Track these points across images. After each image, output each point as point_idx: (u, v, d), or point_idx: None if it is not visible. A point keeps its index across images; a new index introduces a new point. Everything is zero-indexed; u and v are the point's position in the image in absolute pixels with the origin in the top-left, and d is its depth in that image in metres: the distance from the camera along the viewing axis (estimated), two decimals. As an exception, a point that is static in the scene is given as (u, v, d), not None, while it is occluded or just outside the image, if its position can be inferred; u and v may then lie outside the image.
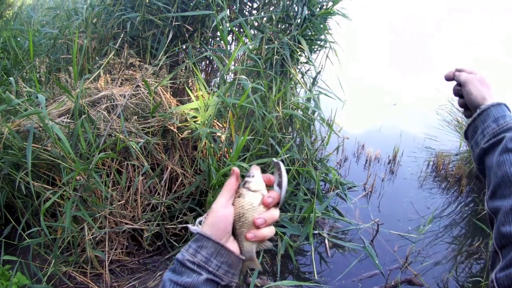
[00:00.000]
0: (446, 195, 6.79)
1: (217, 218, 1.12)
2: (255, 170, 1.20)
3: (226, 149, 4.41)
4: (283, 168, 1.20)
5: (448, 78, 1.62)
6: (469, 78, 1.47)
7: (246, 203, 1.15)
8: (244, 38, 4.71)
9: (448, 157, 7.65)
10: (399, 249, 5.12)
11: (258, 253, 1.32)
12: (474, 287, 4.56)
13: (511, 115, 1.32)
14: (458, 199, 6.70)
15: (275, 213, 1.16)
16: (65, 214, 3.38)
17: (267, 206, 1.16)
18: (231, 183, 1.16)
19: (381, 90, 11.59)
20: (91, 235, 3.68)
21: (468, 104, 1.48)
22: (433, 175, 7.39)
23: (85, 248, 3.68)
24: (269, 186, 1.20)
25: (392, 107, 10.51)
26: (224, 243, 1.11)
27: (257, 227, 1.14)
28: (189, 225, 1.17)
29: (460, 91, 1.54)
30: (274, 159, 1.25)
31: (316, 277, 4.45)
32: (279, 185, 1.20)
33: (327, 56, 5.47)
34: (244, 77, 4.30)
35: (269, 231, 1.16)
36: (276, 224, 4.65)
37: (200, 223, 1.16)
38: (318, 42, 5.53)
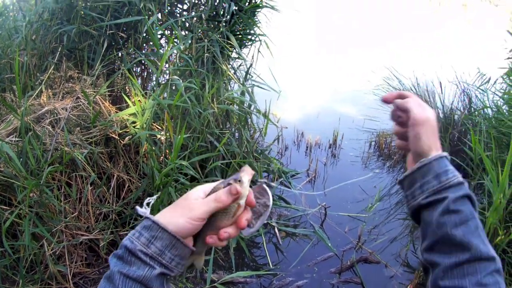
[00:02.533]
0: (393, 173, 6.94)
1: (185, 226, 1.04)
2: (245, 176, 1.11)
3: (167, 150, 4.47)
4: (270, 192, 1.17)
5: (387, 101, 1.42)
6: (423, 119, 1.26)
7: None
8: (175, 40, 4.77)
9: (390, 135, 7.77)
10: (351, 230, 5.23)
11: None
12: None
13: (453, 170, 1.21)
14: (405, 175, 6.85)
15: (239, 231, 1.12)
16: (25, 232, 3.40)
17: (240, 226, 1.10)
18: (224, 204, 1.07)
19: (317, 77, 11.72)
20: (51, 251, 3.67)
21: (410, 145, 1.30)
22: (377, 154, 7.55)
23: (48, 264, 3.70)
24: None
25: (330, 93, 10.65)
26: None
27: (221, 236, 1.08)
28: (138, 208, 1.09)
29: (401, 118, 1.36)
30: (260, 180, 1.20)
31: (271, 266, 4.52)
32: (264, 205, 1.17)
33: (258, 50, 5.55)
34: (176, 77, 4.37)
35: (225, 243, 1.12)
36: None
37: (148, 205, 1.11)
38: (249, 37, 5.62)
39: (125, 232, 4.26)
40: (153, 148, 4.37)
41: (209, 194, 1.10)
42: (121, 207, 4.38)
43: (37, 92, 4.47)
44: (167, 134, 4.52)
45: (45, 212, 3.76)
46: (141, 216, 1.20)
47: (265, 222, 1.23)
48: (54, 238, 3.75)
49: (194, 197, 1.09)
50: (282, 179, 6.03)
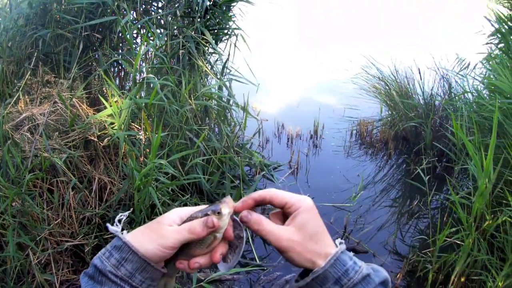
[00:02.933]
0: (376, 160, 6.96)
1: (155, 253, 0.98)
2: (225, 208, 1.02)
3: (146, 150, 4.41)
4: (242, 224, 1.06)
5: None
6: (282, 242, 0.99)
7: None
8: (150, 38, 4.72)
9: (371, 123, 7.82)
10: (336, 220, 5.22)
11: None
12: (422, 246, 4.67)
13: (353, 263, 1.00)
14: (388, 162, 6.89)
15: (211, 263, 1.04)
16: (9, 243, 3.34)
17: (214, 260, 1.02)
18: (198, 236, 1.00)
19: (296, 69, 11.73)
20: (37, 260, 3.61)
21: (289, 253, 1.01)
22: (359, 143, 7.57)
23: (35, 273, 3.64)
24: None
25: (309, 84, 10.65)
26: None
27: (191, 266, 1.03)
28: (109, 225, 1.03)
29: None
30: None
31: (258, 261, 4.49)
32: (238, 237, 1.07)
33: (235, 44, 5.51)
34: (151, 75, 4.32)
35: (195, 270, 1.10)
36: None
37: (120, 221, 1.04)
38: (224, 31, 5.57)
39: (109, 236, 4.21)
40: (132, 148, 4.31)
41: (185, 222, 1.04)
42: (104, 210, 4.30)
43: (14, 99, 4.40)
44: (146, 133, 4.46)
45: (28, 221, 3.69)
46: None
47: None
48: (39, 246, 3.68)
49: (168, 222, 1.03)
50: (264, 172, 6.00)
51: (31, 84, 4.63)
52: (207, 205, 1.05)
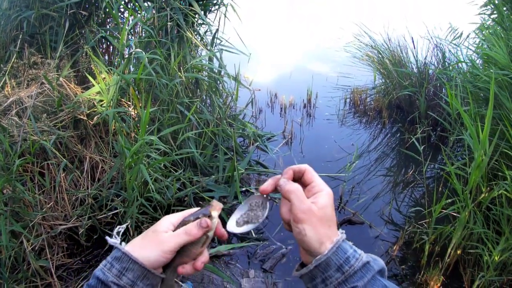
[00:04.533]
0: (370, 129, 6.93)
1: (156, 259, 1.06)
2: (214, 211, 1.14)
3: (137, 125, 4.35)
4: (267, 209, 1.21)
5: (266, 191, 1.18)
6: (305, 212, 1.04)
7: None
8: (137, 11, 4.64)
9: (364, 91, 7.79)
10: (332, 190, 5.15)
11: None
12: (418, 216, 4.65)
13: (353, 251, 1.04)
14: (382, 131, 6.85)
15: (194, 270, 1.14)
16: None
17: (196, 267, 1.13)
18: (194, 237, 1.09)
19: (288, 39, 11.66)
20: (31, 246, 3.58)
21: (297, 241, 1.07)
22: (353, 111, 7.52)
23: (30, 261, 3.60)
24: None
25: (301, 53, 10.59)
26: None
27: (198, 267, 1.12)
28: (108, 238, 1.12)
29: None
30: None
31: (254, 235, 4.47)
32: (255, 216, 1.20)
33: (224, 15, 5.39)
34: (139, 50, 4.25)
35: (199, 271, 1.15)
36: (203, 189, 4.66)
37: (118, 234, 1.14)
38: (213, 1, 5.44)
39: (103, 216, 4.18)
40: (122, 125, 4.25)
41: (178, 227, 1.12)
42: (97, 190, 4.27)
43: (1, 84, 4.32)
44: (135, 109, 4.40)
45: (20, 207, 3.64)
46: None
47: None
48: (32, 232, 3.64)
49: (163, 229, 1.10)
50: (258, 143, 5.97)
51: (17, 67, 4.55)
52: (195, 209, 1.17)
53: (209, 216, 1.13)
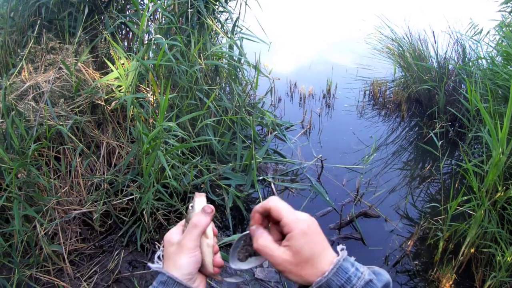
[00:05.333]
0: (388, 122, 6.87)
1: (189, 262, 1.06)
2: (199, 198, 1.17)
3: (156, 112, 4.35)
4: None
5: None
6: (279, 264, 1.00)
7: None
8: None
9: (384, 84, 7.73)
10: (349, 182, 5.16)
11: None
12: (433, 212, 4.61)
13: (355, 270, 0.99)
14: (401, 124, 6.80)
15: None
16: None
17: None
18: (205, 224, 1.10)
19: (308, 28, 11.61)
20: (44, 231, 3.59)
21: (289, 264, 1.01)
22: (372, 103, 7.46)
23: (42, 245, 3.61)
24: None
25: (321, 43, 10.54)
26: (193, 283, 1.08)
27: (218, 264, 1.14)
28: (150, 264, 1.14)
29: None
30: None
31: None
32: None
33: (245, 2, 5.36)
34: (159, 36, 4.24)
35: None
36: (219, 177, 4.66)
37: (159, 257, 1.15)
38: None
39: (118, 201, 4.19)
40: (140, 111, 4.26)
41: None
42: (113, 175, 4.28)
43: (18, 68, 4.33)
44: (154, 95, 4.40)
45: (34, 192, 3.66)
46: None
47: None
48: (46, 217, 3.66)
49: (175, 240, 1.11)
50: (276, 132, 5.95)
51: (35, 52, 4.56)
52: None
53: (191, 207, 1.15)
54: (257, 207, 1.08)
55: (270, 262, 1.01)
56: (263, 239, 1.04)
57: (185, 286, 1.03)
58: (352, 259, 1.01)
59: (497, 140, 3.47)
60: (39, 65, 4.45)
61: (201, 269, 1.11)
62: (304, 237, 0.98)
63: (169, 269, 1.06)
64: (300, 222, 0.99)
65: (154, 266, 1.10)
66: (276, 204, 1.04)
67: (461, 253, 3.75)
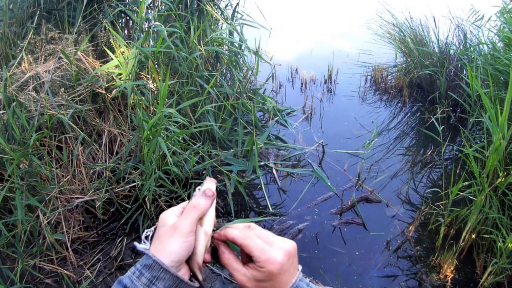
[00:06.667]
0: (390, 107, 6.88)
1: (181, 247, 0.99)
2: (209, 183, 1.15)
3: (155, 99, 4.36)
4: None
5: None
6: (239, 281, 1.04)
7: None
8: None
9: (385, 69, 7.73)
10: (350, 167, 5.17)
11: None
12: (435, 198, 4.62)
13: None
14: (402, 110, 6.79)
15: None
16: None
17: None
18: (204, 207, 1.06)
19: (309, 13, 11.59)
20: (47, 220, 3.60)
21: None
22: (373, 89, 7.46)
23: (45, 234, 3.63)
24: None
25: (322, 29, 10.52)
26: (179, 272, 1.00)
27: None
28: (136, 244, 1.04)
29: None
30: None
31: (271, 210, 4.46)
32: None
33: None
34: (158, 23, 4.24)
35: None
36: (221, 162, 4.67)
37: (147, 238, 1.06)
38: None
39: (120, 189, 4.20)
40: (141, 98, 4.26)
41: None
42: (114, 163, 4.29)
43: (18, 60, 4.33)
44: (154, 82, 4.41)
45: (36, 181, 3.67)
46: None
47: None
48: (48, 206, 3.68)
49: (170, 220, 1.05)
50: (277, 117, 5.96)
51: (34, 43, 4.56)
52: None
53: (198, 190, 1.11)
54: (220, 235, 1.09)
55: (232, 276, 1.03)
56: (225, 256, 1.07)
57: (171, 275, 0.97)
58: (307, 280, 1.04)
59: (497, 125, 3.47)
60: (39, 55, 4.45)
61: (189, 259, 1.03)
62: (270, 277, 0.99)
63: (157, 253, 0.98)
64: (271, 264, 0.99)
65: (140, 246, 1.02)
66: (246, 242, 1.02)
67: (462, 238, 3.76)
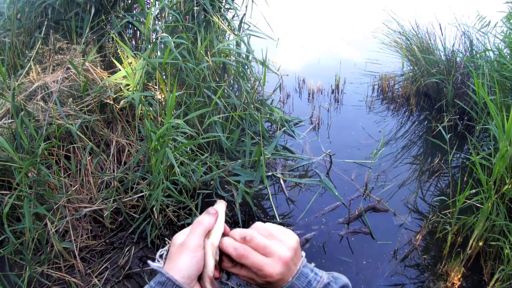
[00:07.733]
0: (397, 116, 6.86)
1: (190, 263, 1.02)
2: (217, 204, 1.18)
3: (163, 110, 4.38)
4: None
5: None
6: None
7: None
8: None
9: (392, 78, 7.72)
10: (357, 177, 5.17)
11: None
12: (442, 206, 4.62)
13: (314, 275, 1.10)
14: (410, 118, 6.79)
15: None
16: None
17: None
18: (208, 223, 1.09)
19: (315, 23, 11.61)
20: (55, 228, 3.63)
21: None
22: (380, 98, 7.46)
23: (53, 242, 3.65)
24: None
25: (329, 39, 10.53)
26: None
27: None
28: (150, 262, 1.07)
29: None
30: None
31: (278, 220, 4.47)
32: None
33: (252, -1, 5.38)
34: (165, 34, 4.27)
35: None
36: (229, 173, 4.68)
37: (161, 257, 1.09)
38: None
39: (128, 199, 4.22)
40: (149, 109, 4.29)
41: None
42: (123, 173, 4.32)
43: (26, 69, 4.37)
44: (161, 93, 4.43)
45: (45, 190, 3.69)
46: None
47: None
48: (57, 215, 3.70)
49: (180, 239, 1.08)
50: (285, 128, 5.97)
51: (42, 52, 4.60)
52: None
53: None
54: (243, 233, 1.09)
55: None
56: (225, 265, 1.11)
57: None
58: (312, 265, 1.13)
59: (503, 132, 3.47)
60: (47, 65, 4.49)
61: (200, 276, 1.05)
62: (272, 284, 1.05)
63: (169, 270, 1.01)
64: (270, 277, 1.03)
65: (154, 264, 1.06)
66: (241, 261, 1.05)
67: (469, 246, 3.76)
